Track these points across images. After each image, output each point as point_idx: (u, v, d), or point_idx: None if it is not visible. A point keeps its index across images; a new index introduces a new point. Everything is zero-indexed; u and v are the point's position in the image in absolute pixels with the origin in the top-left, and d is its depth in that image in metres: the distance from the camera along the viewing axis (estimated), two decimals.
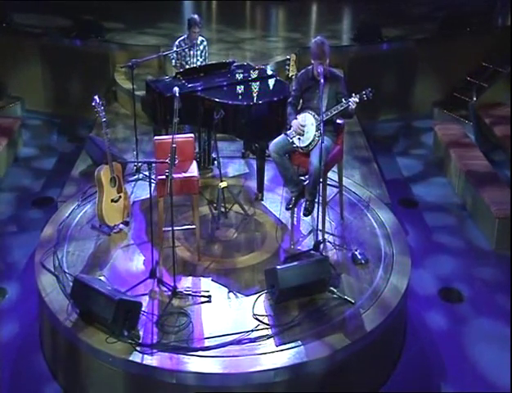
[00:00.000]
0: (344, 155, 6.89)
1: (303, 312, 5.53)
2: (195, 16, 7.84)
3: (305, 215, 6.49)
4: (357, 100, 6.07)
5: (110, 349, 5.15)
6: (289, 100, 6.49)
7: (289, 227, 6.62)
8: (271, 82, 7.34)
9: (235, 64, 7.78)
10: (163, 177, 5.67)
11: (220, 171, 6.93)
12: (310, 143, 6.24)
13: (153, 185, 6.11)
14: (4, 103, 10.54)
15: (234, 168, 7.95)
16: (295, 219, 6.63)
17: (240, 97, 7.06)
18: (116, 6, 12.64)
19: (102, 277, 5.92)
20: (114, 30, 11.78)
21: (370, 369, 5.59)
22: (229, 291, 5.88)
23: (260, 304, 5.65)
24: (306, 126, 6.23)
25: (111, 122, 9.03)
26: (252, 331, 5.33)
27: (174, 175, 5.61)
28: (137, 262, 6.21)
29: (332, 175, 6.89)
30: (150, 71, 10.01)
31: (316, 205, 6.33)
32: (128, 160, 7.78)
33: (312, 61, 6.25)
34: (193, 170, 6.35)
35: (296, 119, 6.28)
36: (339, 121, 6.51)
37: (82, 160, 8.26)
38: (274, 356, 5.11)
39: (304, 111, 6.32)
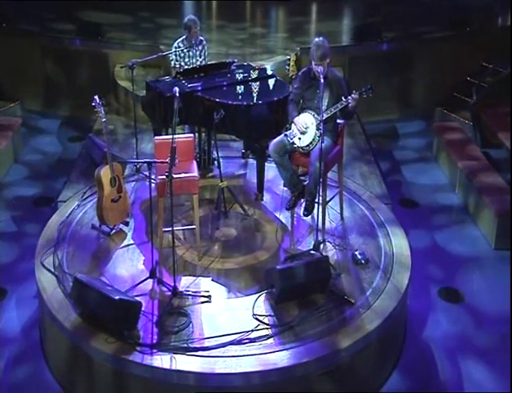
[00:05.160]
0: (344, 155, 6.89)
1: (303, 312, 5.53)
2: (193, 17, 7.84)
3: (305, 215, 6.49)
4: (357, 96, 6.07)
5: (110, 349, 5.16)
6: (290, 98, 6.49)
7: (289, 227, 6.62)
8: (271, 82, 7.34)
9: (235, 64, 7.78)
10: (163, 177, 5.67)
11: (220, 171, 6.93)
12: (310, 143, 6.24)
13: (153, 185, 6.12)
14: (4, 103, 10.54)
15: (234, 168, 7.94)
16: (295, 219, 6.63)
17: (240, 97, 7.06)
18: (118, 6, 12.66)
19: (102, 277, 5.93)
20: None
21: (370, 369, 5.59)
22: (229, 291, 5.89)
23: (260, 304, 5.65)
24: (307, 125, 6.24)
25: (111, 122, 9.03)
26: (252, 331, 5.33)
27: (174, 175, 5.61)
28: (137, 262, 6.21)
29: (332, 175, 6.89)
30: (150, 71, 10.01)
31: (316, 205, 6.34)
32: (127, 159, 7.78)
33: (312, 62, 6.24)
34: (193, 170, 6.35)
35: (297, 117, 6.29)
36: (339, 121, 6.51)
37: (82, 160, 8.27)
38: (274, 356, 5.11)
39: (304, 111, 6.33)
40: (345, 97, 6.16)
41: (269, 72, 7.78)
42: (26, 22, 11.65)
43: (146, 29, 11.94)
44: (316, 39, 6.29)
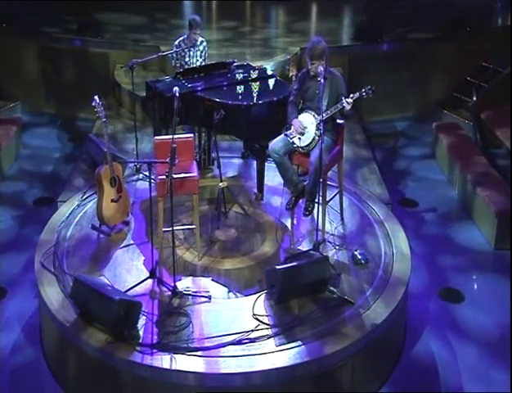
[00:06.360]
0: (344, 155, 6.89)
1: (303, 312, 5.54)
2: (196, 17, 7.84)
3: (305, 215, 6.49)
4: (351, 100, 6.05)
5: (110, 349, 5.15)
6: (290, 99, 6.49)
7: (289, 227, 6.62)
8: (271, 82, 7.34)
9: (235, 64, 7.78)
10: (163, 177, 5.67)
11: (220, 171, 6.93)
12: (310, 143, 6.25)
13: (153, 185, 6.12)
14: (4, 103, 10.54)
15: (234, 168, 7.95)
16: (295, 219, 6.62)
17: (240, 97, 7.06)
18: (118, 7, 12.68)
19: (102, 277, 5.93)
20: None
21: (370, 369, 5.59)
22: (229, 291, 5.89)
23: (260, 304, 5.65)
24: (306, 126, 6.24)
25: (111, 122, 9.03)
26: (252, 331, 5.33)
27: (174, 175, 5.61)
28: (137, 262, 6.21)
29: (332, 175, 6.89)
30: (150, 71, 10.01)
31: (316, 205, 6.33)
32: (127, 159, 7.78)
33: (310, 62, 6.23)
34: (193, 170, 6.35)
35: (297, 118, 6.29)
36: (339, 121, 6.51)
37: (82, 160, 8.27)
38: (274, 356, 5.11)
39: (304, 111, 6.33)
40: (345, 97, 6.15)
41: (269, 72, 7.79)
42: (26, 22, 11.66)
43: (145, 28, 11.93)
44: (313, 38, 6.29)
